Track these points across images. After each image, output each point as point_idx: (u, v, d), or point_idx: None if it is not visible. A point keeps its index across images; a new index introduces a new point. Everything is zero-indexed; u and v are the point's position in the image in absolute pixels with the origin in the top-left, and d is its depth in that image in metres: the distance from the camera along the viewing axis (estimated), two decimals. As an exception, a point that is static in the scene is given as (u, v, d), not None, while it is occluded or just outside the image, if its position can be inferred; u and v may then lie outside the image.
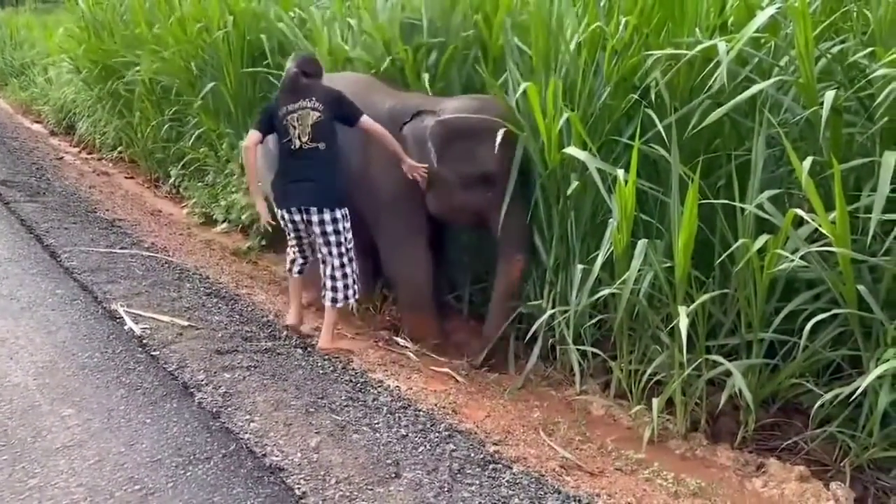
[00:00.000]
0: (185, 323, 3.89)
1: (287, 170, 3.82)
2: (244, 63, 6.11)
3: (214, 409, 3.08)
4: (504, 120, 3.78)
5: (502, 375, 3.92)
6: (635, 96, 3.55)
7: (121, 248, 5.16)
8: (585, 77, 3.69)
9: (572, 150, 3.50)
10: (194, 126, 6.77)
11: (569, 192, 3.56)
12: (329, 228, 3.77)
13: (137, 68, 7.41)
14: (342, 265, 3.85)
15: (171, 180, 7.27)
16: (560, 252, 3.90)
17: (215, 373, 3.36)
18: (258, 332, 3.94)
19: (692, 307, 3.05)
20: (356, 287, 3.95)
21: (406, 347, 4.10)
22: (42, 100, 11.92)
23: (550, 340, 3.93)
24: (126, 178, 8.28)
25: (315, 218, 3.76)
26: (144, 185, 7.94)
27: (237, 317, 4.14)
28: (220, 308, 4.23)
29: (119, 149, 8.86)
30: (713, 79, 3.15)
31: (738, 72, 3.32)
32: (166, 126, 7.24)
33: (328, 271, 3.88)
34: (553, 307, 3.86)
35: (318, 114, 3.72)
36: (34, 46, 14.03)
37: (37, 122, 11.88)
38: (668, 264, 3.24)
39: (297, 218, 3.82)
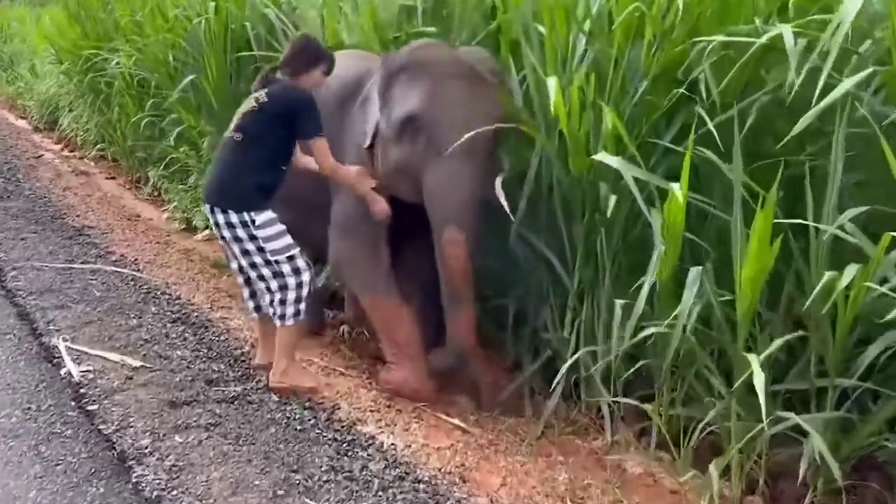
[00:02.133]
0: (138, 363, 3.27)
1: (214, 159, 3.36)
2: (227, 53, 5.51)
3: (154, 494, 2.45)
4: (478, 62, 3.24)
5: (518, 419, 3.33)
6: (682, 90, 2.94)
7: (82, 263, 4.57)
8: (618, 68, 3.09)
9: (604, 157, 2.89)
10: (175, 123, 6.18)
11: (608, 212, 2.88)
12: (236, 234, 3.18)
13: (116, 60, 6.85)
14: (261, 277, 3.24)
15: (151, 182, 6.69)
16: (585, 274, 3.32)
17: (164, 435, 2.74)
18: (227, 371, 3.33)
19: (766, 353, 2.42)
20: (299, 307, 3.26)
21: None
22: (27, 94, 11.39)
23: (573, 376, 3.35)
24: (107, 178, 7.71)
25: (220, 219, 3.19)
26: (125, 185, 7.36)
27: (204, 351, 3.53)
28: (185, 339, 3.62)
29: (101, 146, 8.29)
30: (766, 72, 2.58)
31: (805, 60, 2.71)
32: (146, 122, 6.64)
33: (258, 285, 3.32)
34: (577, 337, 3.28)
35: (255, 104, 3.20)
36: (25, 40, 13.51)
37: (22, 117, 11.37)
38: (727, 297, 2.64)
39: (209, 218, 3.27)
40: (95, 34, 7.69)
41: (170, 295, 4.22)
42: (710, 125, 2.71)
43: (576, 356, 3.11)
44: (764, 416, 2.26)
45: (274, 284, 3.24)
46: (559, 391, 3.28)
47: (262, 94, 3.20)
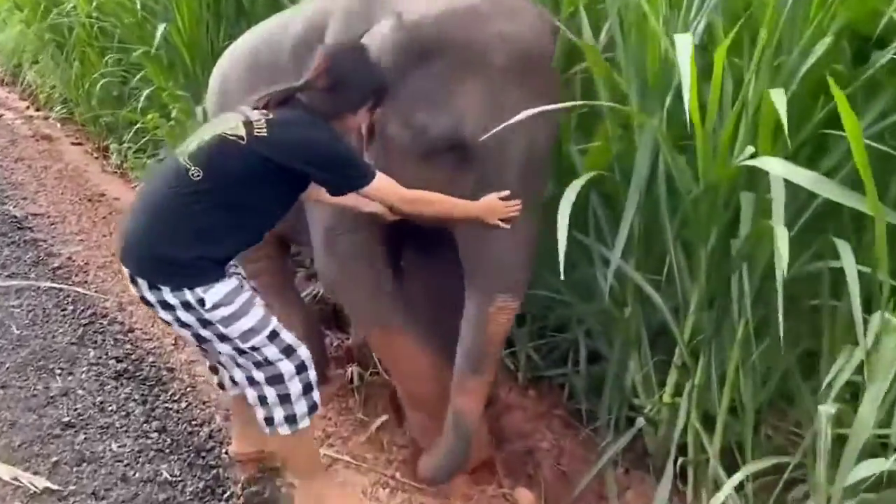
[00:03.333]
0: (42, 482, 2.14)
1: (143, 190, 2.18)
2: (202, -1, 4.45)
3: None
4: (541, 46, 2.15)
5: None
6: (892, 55, 1.86)
7: (9, 276, 3.47)
8: (775, 22, 2.01)
9: (767, 163, 1.84)
10: (143, 82, 5.09)
11: (783, 263, 1.72)
12: (178, 317, 1.99)
13: (73, 4, 5.75)
14: (233, 361, 2.11)
15: (116, 154, 5.63)
16: (702, 321, 2.30)
17: None
18: (184, 477, 2.26)
19: None
20: (313, 397, 2.17)
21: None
22: (-6, 44, 10.26)
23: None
24: (74, 143, 6.65)
25: (150, 297, 1.98)
26: (92, 154, 6.28)
27: (154, 435, 2.45)
28: (127, 414, 2.54)
29: (67, 105, 7.19)
30: None
31: None
32: (106, 80, 5.57)
33: (235, 374, 2.18)
34: (687, 404, 2.34)
35: (241, 137, 1.90)
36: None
37: (-10, 68, 10.26)
38: None
39: (132, 287, 2.04)
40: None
41: (120, 325, 3.15)
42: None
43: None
44: None
45: (260, 376, 2.09)
46: (667, 484, 2.36)
47: (260, 120, 1.93)
